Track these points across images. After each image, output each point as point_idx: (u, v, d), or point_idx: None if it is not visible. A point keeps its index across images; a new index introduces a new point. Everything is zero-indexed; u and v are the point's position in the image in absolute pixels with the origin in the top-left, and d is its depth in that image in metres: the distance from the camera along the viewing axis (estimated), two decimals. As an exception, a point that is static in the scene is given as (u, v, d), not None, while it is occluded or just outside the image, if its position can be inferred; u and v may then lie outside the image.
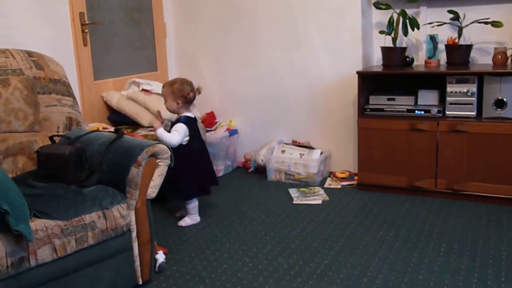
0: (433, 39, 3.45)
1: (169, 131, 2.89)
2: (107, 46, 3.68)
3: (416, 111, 3.28)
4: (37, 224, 1.88)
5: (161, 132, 2.84)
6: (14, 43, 2.77)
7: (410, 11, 3.47)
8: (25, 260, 1.81)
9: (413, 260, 2.49)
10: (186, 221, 3.03)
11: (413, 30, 3.41)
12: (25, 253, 1.81)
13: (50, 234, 1.89)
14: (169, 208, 3.24)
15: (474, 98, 3.12)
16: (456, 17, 3.32)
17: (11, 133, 2.43)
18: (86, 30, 3.44)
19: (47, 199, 2.05)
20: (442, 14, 3.42)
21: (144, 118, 3.45)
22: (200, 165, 3.03)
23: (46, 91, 2.58)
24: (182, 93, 2.90)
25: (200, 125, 3.62)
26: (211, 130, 3.96)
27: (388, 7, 3.46)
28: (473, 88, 3.11)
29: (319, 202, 3.33)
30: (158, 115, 2.97)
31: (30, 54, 2.63)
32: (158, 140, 2.67)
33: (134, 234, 2.22)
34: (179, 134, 2.86)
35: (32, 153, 2.41)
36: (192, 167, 2.95)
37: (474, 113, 3.14)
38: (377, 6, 3.50)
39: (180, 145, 2.88)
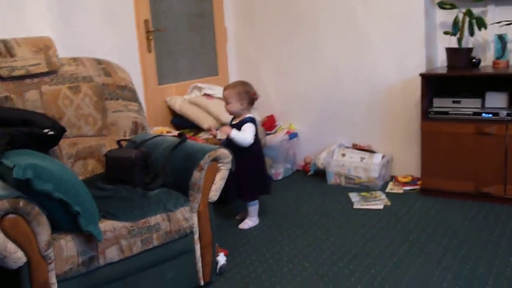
0: (501, 38, 3.31)
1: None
2: (170, 52, 3.79)
3: (484, 114, 3.15)
4: (105, 225, 1.97)
5: (235, 133, 2.88)
6: (85, 51, 2.90)
7: (476, 10, 3.34)
8: (94, 259, 1.91)
9: (480, 270, 2.40)
10: (247, 223, 3.07)
11: (480, 30, 3.29)
12: (94, 253, 1.90)
13: (118, 235, 1.98)
14: (228, 211, 3.29)
15: (547, 101, 2.97)
16: (527, 15, 3.17)
17: (81, 137, 2.55)
18: (151, 37, 3.56)
19: (114, 201, 2.14)
20: (511, 12, 3.27)
21: (205, 122, 3.52)
22: (262, 165, 3.09)
23: (113, 97, 2.69)
24: (247, 94, 2.95)
25: (260, 128, 3.65)
26: (271, 133, 3.98)
27: (453, 6, 3.35)
28: (546, 90, 2.96)
29: (381, 207, 3.27)
30: (209, 128, 3.06)
31: (99, 61, 2.75)
32: (219, 145, 2.72)
33: (196, 236, 2.27)
34: (249, 132, 2.91)
35: (101, 157, 2.53)
36: (256, 166, 3.01)
37: (547, 116, 2.99)
38: (442, 6, 3.40)
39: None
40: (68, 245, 1.84)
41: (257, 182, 3.03)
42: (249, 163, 2.93)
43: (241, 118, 2.97)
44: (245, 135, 2.90)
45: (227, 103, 2.97)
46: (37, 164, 1.75)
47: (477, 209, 3.12)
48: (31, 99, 2.41)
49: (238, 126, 2.94)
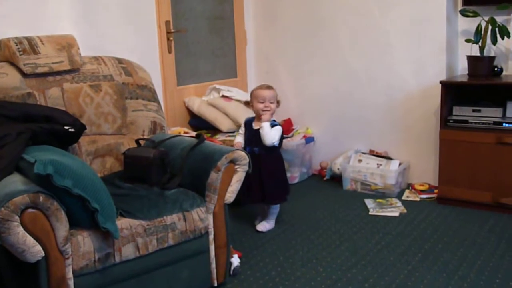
0: (525, 48, 3.27)
1: (250, 142, 2.98)
2: (190, 53, 3.81)
3: (504, 124, 3.12)
4: (122, 222, 1.98)
5: (267, 126, 2.87)
6: (105, 51, 2.94)
7: (500, 19, 3.31)
8: (110, 256, 1.92)
9: (497, 281, 2.37)
10: (265, 226, 3.07)
11: (502, 38, 3.25)
12: (111, 250, 1.92)
13: (134, 233, 1.99)
14: (243, 213, 3.29)
15: None
16: (551, 25, 3.13)
17: (101, 135, 2.58)
18: (171, 38, 3.59)
19: (131, 199, 2.16)
20: (535, 21, 3.24)
21: (223, 123, 3.53)
22: (283, 168, 3.11)
23: (133, 96, 2.72)
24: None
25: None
26: (287, 137, 3.97)
27: (475, 14, 3.32)
28: None
29: (396, 214, 3.25)
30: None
31: (120, 61, 2.78)
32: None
33: (211, 237, 2.28)
34: (277, 134, 2.92)
35: (119, 155, 2.55)
36: (280, 169, 3.05)
37: None
38: (464, 13, 3.37)
39: (276, 147, 2.97)
40: (85, 241, 1.86)
41: (282, 184, 3.05)
42: (274, 166, 2.96)
43: (268, 121, 2.92)
44: (274, 133, 2.89)
45: (271, 102, 2.94)
46: (57, 160, 1.78)
47: (495, 219, 3.08)
48: (53, 96, 2.45)
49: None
